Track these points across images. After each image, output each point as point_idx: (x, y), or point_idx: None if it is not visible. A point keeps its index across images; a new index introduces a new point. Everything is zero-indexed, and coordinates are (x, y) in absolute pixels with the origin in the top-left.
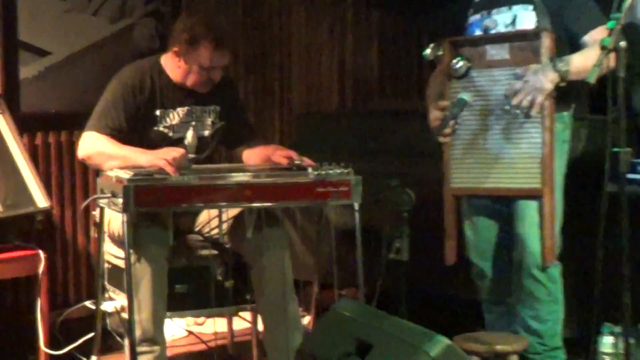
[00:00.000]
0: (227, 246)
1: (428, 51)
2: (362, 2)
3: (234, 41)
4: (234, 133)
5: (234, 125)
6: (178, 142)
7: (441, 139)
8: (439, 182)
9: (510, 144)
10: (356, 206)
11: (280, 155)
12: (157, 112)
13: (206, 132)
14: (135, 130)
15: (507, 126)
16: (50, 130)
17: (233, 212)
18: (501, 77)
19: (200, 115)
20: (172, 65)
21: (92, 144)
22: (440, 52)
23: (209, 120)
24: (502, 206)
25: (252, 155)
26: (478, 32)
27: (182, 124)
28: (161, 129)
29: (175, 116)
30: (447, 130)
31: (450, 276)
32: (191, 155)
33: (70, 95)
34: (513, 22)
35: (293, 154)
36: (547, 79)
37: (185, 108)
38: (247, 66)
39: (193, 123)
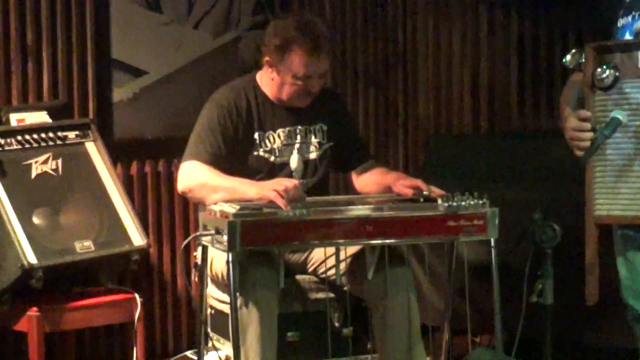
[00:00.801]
0: (344, 288)
1: (569, 58)
2: (498, 5)
3: (353, 53)
4: (344, 154)
5: (343, 145)
6: (281, 167)
7: (580, 153)
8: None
9: None
10: (493, 242)
11: (404, 185)
12: (256, 135)
13: (313, 155)
14: (234, 156)
15: None
16: (147, 159)
17: (352, 249)
18: None
19: (304, 135)
20: (267, 79)
21: (194, 175)
22: (583, 60)
23: (315, 141)
24: None
25: (367, 182)
26: (628, 37)
27: (285, 146)
28: (261, 153)
29: (276, 138)
30: (585, 143)
31: (602, 321)
32: (301, 180)
33: (169, 119)
34: None
35: (420, 183)
36: None
37: (287, 129)
38: (368, 81)
39: (297, 145)
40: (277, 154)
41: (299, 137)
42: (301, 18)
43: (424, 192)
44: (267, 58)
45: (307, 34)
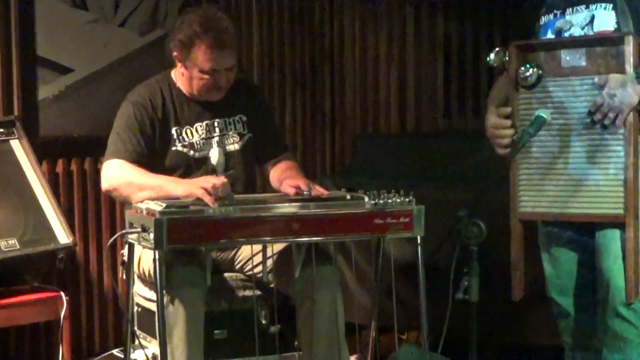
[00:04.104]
0: (271, 286)
1: (492, 56)
2: (425, 6)
3: (280, 53)
4: (261, 146)
5: (261, 136)
6: (201, 161)
7: (500, 151)
8: None
9: (592, 165)
10: (419, 239)
11: (288, 184)
12: (173, 131)
13: (234, 146)
14: (153, 152)
15: (588, 145)
16: (73, 157)
17: (278, 246)
18: (582, 90)
19: (224, 127)
20: (179, 75)
21: (118, 174)
22: (507, 58)
23: (234, 133)
24: (582, 237)
25: (273, 177)
26: (550, 35)
27: (204, 140)
28: (180, 148)
29: (194, 133)
30: (505, 139)
31: (528, 319)
32: (230, 172)
33: (95, 117)
34: (590, 24)
35: (302, 182)
36: (635, 92)
37: (204, 123)
38: (295, 81)
39: (216, 138)
40: (196, 148)
41: (217, 130)
42: (205, 13)
43: (305, 192)
44: (175, 53)
45: (210, 29)
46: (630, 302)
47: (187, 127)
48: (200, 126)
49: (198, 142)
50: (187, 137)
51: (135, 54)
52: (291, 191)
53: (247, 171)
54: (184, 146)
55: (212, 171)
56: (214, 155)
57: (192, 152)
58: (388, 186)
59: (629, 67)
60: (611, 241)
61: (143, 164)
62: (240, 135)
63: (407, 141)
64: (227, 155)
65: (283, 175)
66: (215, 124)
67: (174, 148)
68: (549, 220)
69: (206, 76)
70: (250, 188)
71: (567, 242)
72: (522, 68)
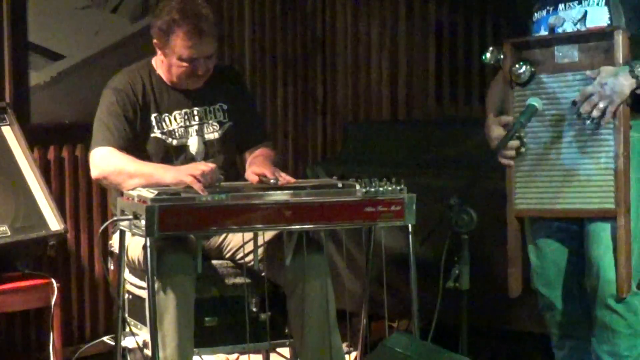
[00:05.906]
0: (262, 274)
1: (488, 55)
2: None
3: (272, 40)
4: (242, 135)
5: (242, 125)
6: (180, 149)
7: (503, 161)
8: (504, 200)
9: (584, 155)
10: (410, 227)
11: (253, 172)
12: (152, 118)
13: (212, 135)
14: (136, 139)
15: (580, 136)
16: (64, 144)
17: (269, 234)
18: (575, 82)
19: (204, 116)
20: (160, 62)
21: (108, 162)
22: (502, 56)
23: (214, 121)
24: (572, 225)
25: (248, 164)
26: (543, 32)
27: (183, 128)
28: (158, 135)
29: (172, 121)
30: (511, 152)
31: (516, 307)
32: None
33: (87, 103)
34: (583, 19)
35: (267, 170)
36: (627, 83)
37: (183, 111)
38: (286, 68)
39: (195, 127)
40: (174, 136)
41: (197, 118)
42: (184, 0)
43: (272, 180)
44: (155, 40)
45: (188, 17)
46: (622, 298)
47: (166, 114)
48: (179, 114)
49: (176, 130)
50: (166, 124)
51: (127, 40)
52: (254, 179)
53: (228, 160)
54: (162, 133)
55: (191, 160)
56: (193, 144)
57: (170, 140)
58: (379, 174)
59: (620, 61)
60: (602, 231)
61: (129, 150)
62: (220, 124)
63: (398, 128)
64: (206, 144)
65: (251, 163)
66: (195, 112)
67: (152, 135)
68: (544, 216)
69: (184, 64)
70: (231, 176)
71: (556, 231)
72: (516, 65)
